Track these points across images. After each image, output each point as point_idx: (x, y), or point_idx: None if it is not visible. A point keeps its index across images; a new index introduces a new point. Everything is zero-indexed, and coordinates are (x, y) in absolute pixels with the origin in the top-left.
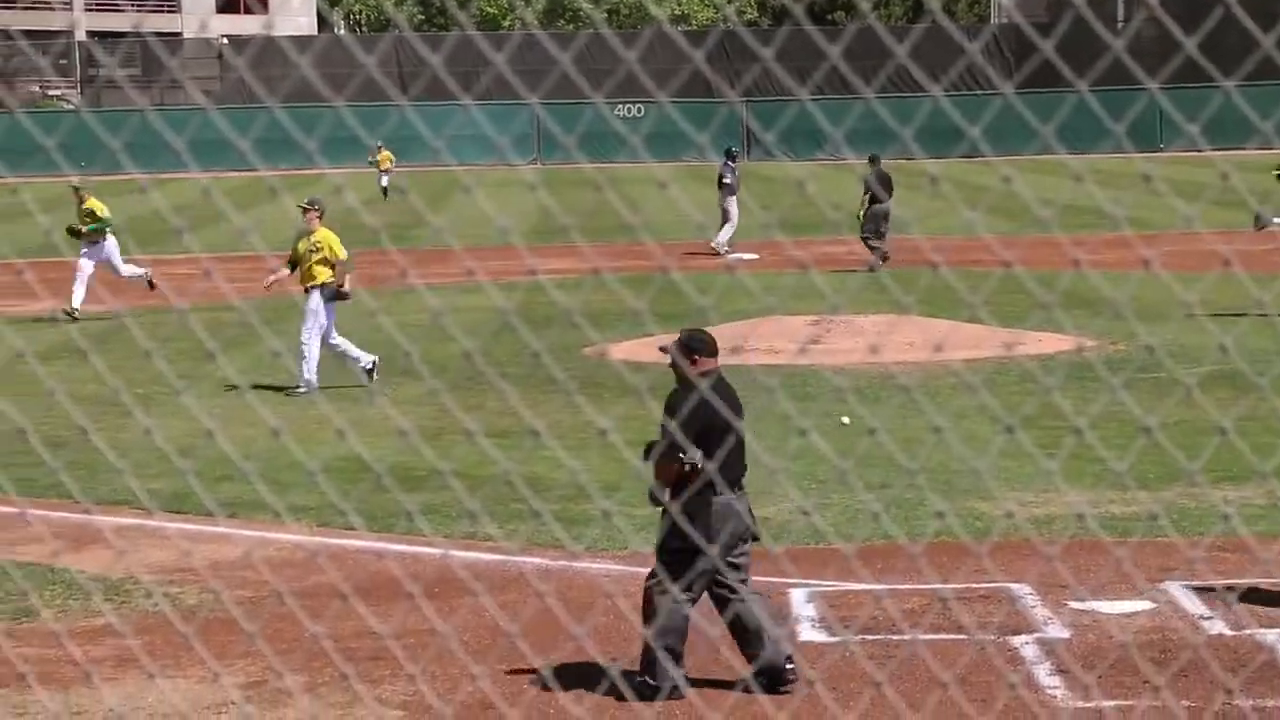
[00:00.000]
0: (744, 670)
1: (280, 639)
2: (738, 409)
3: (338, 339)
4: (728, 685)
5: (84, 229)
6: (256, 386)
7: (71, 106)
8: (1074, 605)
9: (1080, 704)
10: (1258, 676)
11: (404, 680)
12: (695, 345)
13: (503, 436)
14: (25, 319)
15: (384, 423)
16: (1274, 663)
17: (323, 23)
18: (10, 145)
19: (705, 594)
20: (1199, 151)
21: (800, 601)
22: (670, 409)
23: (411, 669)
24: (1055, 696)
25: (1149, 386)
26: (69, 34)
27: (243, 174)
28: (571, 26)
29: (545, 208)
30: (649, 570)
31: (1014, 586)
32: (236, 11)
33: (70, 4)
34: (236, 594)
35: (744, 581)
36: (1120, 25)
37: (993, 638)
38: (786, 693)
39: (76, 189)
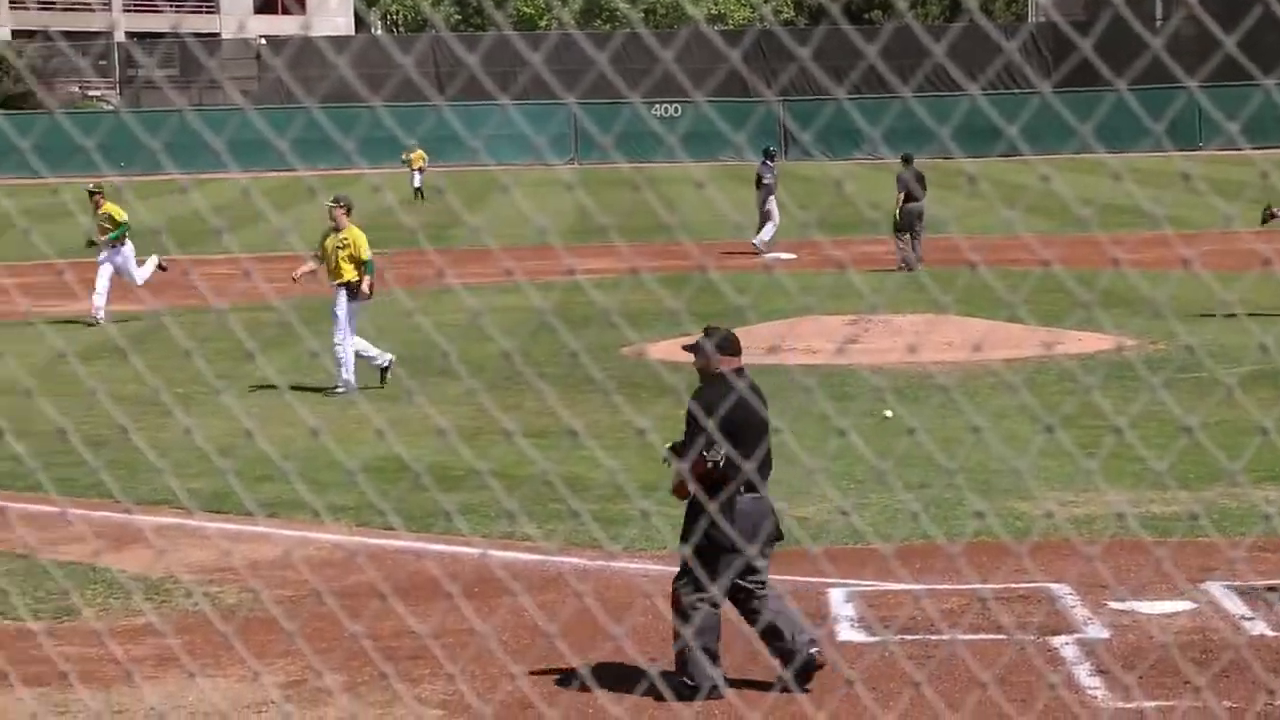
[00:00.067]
0: (782, 670)
1: (320, 638)
2: (762, 408)
3: (355, 339)
4: (765, 686)
5: (103, 238)
6: (295, 388)
7: (111, 107)
8: (1114, 605)
9: (1121, 705)
10: None
11: (443, 680)
12: (718, 344)
13: (541, 436)
14: (65, 319)
15: (423, 422)
16: None
17: (360, 23)
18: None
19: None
20: (1238, 150)
21: (839, 601)
22: (692, 408)
23: (450, 668)
24: (1096, 697)
25: (1189, 386)
26: (108, 35)
27: (281, 174)
28: (608, 26)
29: (583, 207)
30: (677, 571)
31: (1054, 586)
32: (274, 12)
33: (109, 5)
34: (276, 593)
35: (762, 583)
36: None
37: (1032, 638)
38: (820, 666)
39: (93, 192)
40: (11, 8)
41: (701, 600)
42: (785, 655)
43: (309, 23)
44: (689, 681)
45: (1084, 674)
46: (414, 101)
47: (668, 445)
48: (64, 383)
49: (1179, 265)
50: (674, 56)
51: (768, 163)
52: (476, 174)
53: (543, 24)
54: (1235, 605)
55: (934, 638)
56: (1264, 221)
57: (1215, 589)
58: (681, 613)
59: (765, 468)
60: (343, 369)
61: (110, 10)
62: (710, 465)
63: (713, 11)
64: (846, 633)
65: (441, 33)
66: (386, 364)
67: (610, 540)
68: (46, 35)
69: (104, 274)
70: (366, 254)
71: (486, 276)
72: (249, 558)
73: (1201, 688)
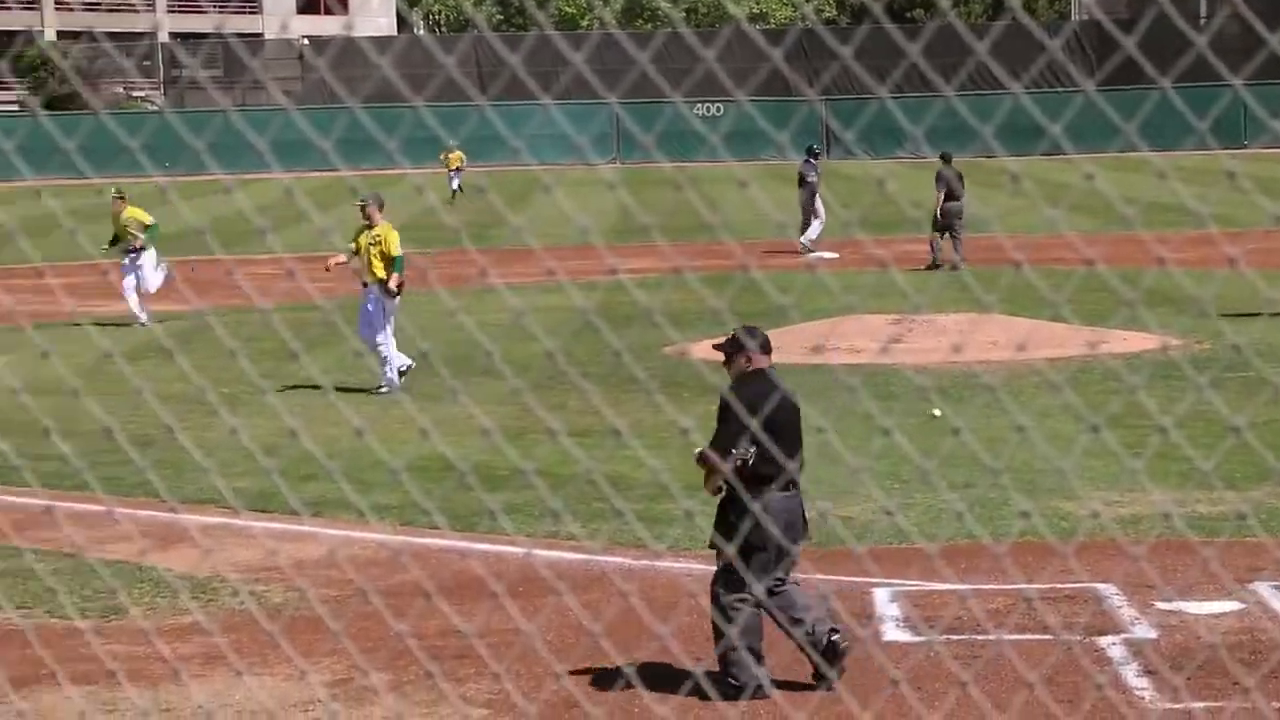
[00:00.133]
0: (829, 670)
1: (365, 637)
2: (793, 407)
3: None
4: (810, 687)
5: (139, 243)
6: (339, 388)
7: (155, 107)
8: (1161, 606)
9: (1169, 705)
10: None
11: (488, 679)
12: (748, 342)
13: (584, 436)
14: (111, 320)
15: (467, 422)
16: None
17: (402, 23)
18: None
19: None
20: None
21: (884, 601)
22: (722, 406)
23: (495, 667)
24: (1143, 697)
25: (1236, 385)
26: (152, 36)
27: (324, 174)
28: (650, 26)
29: (625, 207)
30: (715, 571)
31: (1100, 587)
32: (317, 12)
33: (153, 6)
34: (321, 592)
35: (781, 580)
36: (1203, 21)
37: (1079, 638)
38: (846, 650)
39: (118, 195)
40: (56, 9)
41: (742, 600)
42: (811, 643)
43: (351, 23)
44: (734, 681)
45: (1131, 674)
46: (456, 101)
47: (697, 450)
48: (110, 382)
49: (1224, 264)
50: (716, 56)
51: (811, 161)
52: (519, 174)
53: (584, 24)
54: None
55: (980, 638)
56: None
57: (1263, 589)
58: (723, 613)
59: (798, 467)
60: (386, 369)
61: (154, 11)
62: (740, 463)
63: (754, 10)
64: (892, 633)
65: (484, 32)
66: (405, 367)
67: (654, 540)
68: (91, 36)
69: (128, 286)
70: (397, 250)
71: (529, 276)
72: (294, 557)
73: (1250, 688)
